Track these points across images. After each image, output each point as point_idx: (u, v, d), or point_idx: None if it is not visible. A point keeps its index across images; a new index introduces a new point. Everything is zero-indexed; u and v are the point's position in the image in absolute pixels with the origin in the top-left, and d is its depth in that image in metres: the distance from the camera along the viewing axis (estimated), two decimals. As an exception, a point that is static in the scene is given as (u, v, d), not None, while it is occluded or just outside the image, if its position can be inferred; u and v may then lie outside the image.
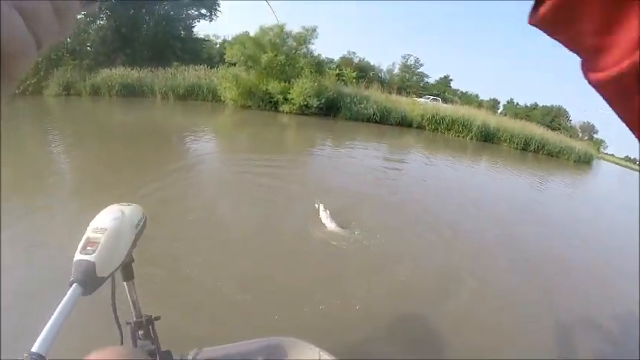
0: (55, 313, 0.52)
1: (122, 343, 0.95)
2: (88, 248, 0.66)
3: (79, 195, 4.51)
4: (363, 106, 16.35)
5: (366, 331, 2.40)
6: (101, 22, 18.88)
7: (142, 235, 0.83)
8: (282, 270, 3.03)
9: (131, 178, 5.22)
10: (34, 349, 0.45)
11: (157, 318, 1.05)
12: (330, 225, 3.82)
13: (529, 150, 16.99)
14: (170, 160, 6.63)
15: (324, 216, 3.88)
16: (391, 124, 16.78)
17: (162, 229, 3.32)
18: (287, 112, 15.36)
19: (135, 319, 1.00)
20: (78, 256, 0.65)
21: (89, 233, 0.70)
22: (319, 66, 17.12)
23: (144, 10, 18.97)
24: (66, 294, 0.57)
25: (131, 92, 15.74)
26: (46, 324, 0.49)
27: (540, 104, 47.93)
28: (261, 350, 1.16)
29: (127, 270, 0.91)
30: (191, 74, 16.28)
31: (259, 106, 15.54)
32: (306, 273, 3.03)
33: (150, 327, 1.03)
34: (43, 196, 4.31)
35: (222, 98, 15.59)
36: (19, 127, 8.93)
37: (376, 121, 16.55)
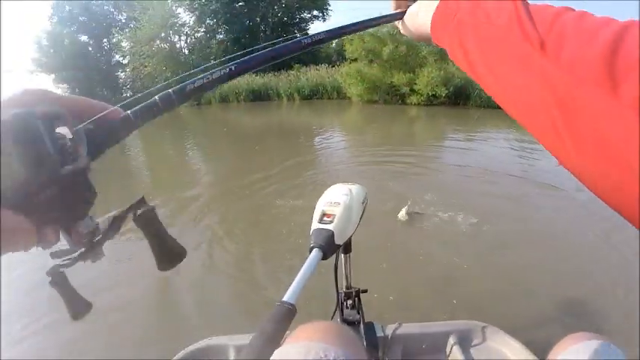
0: (301, 271, 0.58)
1: (336, 308, 1.11)
2: (325, 219, 0.73)
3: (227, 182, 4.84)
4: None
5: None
6: (220, 36, 20.02)
7: (364, 213, 0.83)
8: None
9: (265, 169, 5.21)
10: (285, 298, 0.51)
11: (365, 291, 1.13)
12: None
13: None
14: (301, 154, 6.49)
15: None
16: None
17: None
18: (414, 104, 14.27)
19: (345, 289, 1.11)
20: (316, 225, 0.72)
21: (324, 207, 0.77)
22: (443, 54, 15.67)
23: (259, 20, 19.67)
24: (308, 257, 0.63)
25: (257, 97, 16.04)
26: (293, 280, 0.55)
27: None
28: (453, 332, 1.19)
29: (348, 244, 0.98)
30: (313, 74, 16.01)
31: (385, 100, 14.63)
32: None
33: (357, 298, 1.13)
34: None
35: (347, 95, 15.08)
36: (159, 137, 9.75)
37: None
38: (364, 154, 6.41)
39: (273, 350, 0.43)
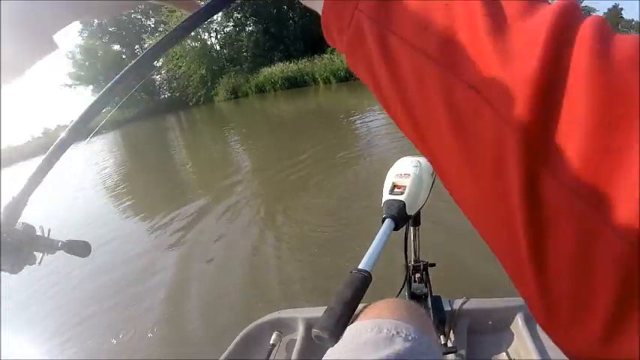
0: (376, 240, 0.58)
1: (405, 280, 1.10)
2: (396, 190, 0.73)
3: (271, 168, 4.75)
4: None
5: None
6: (249, 28, 20.16)
7: (433, 186, 0.80)
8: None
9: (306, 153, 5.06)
10: (361, 266, 0.50)
11: (433, 264, 1.12)
12: None
13: None
14: (340, 138, 6.23)
15: None
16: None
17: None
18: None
19: (413, 262, 1.10)
20: (387, 196, 0.72)
21: (394, 179, 0.76)
22: None
23: (286, 7, 19.66)
24: (381, 227, 0.63)
25: (293, 84, 16.11)
26: (368, 248, 0.55)
27: None
28: (520, 309, 1.16)
29: (417, 216, 0.97)
30: (348, 55, 15.90)
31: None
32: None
33: (425, 272, 1.12)
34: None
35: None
36: (200, 131, 9.87)
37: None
38: (405, 139, 6.05)
39: (351, 315, 0.41)
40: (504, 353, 1.15)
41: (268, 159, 5.61)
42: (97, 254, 3.00)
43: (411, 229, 1.03)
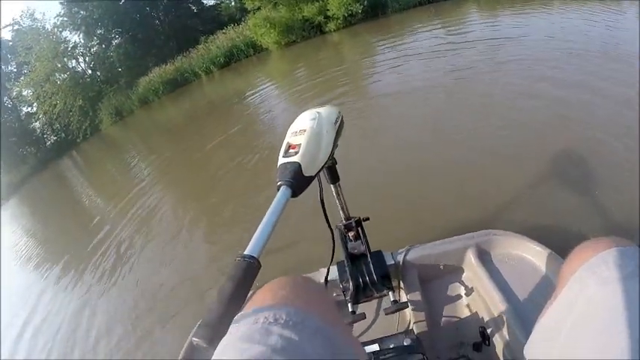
0: (266, 216, 0.51)
1: (334, 245, 0.98)
2: (291, 151, 0.64)
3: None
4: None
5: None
6: (116, 41, 18.47)
7: (340, 135, 0.75)
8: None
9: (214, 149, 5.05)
10: (247, 251, 0.44)
11: (366, 219, 1.05)
12: None
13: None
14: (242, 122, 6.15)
15: None
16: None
17: None
18: (334, 30, 13.51)
19: (344, 221, 1.02)
20: (281, 160, 0.63)
21: (288, 138, 0.67)
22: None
23: (148, 9, 18.11)
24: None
25: (176, 85, 14.91)
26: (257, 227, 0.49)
27: None
28: (470, 245, 1.10)
29: (331, 172, 0.90)
30: (223, 40, 14.92)
31: (303, 37, 13.82)
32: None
33: (359, 228, 1.03)
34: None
35: (263, 46, 14.15)
36: (99, 166, 9.34)
37: (429, 1, 13.87)
38: (305, 92, 6.05)
39: (235, 313, 0.38)
40: (462, 294, 1.10)
41: (179, 166, 5.41)
42: None
43: (331, 187, 0.95)
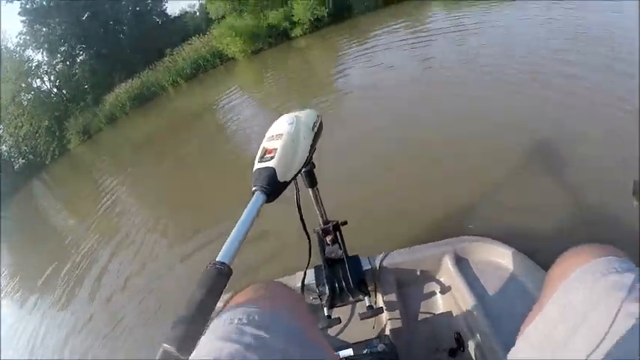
0: (239, 222, 0.51)
1: (310, 249, 0.93)
2: (267, 156, 0.63)
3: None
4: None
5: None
6: (80, 57, 18.04)
7: (319, 139, 0.74)
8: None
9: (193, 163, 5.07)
10: (219, 258, 0.44)
11: (344, 223, 1.04)
12: None
13: None
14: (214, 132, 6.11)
15: None
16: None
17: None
18: (301, 35, 13.43)
19: (322, 225, 1.02)
20: (257, 165, 0.62)
21: (265, 143, 0.66)
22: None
23: (111, 23, 17.69)
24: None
25: (143, 99, 14.51)
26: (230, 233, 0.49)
27: None
28: (447, 251, 1.10)
29: (309, 176, 0.89)
30: (188, 51, 14.64)
31: (270, 44, 13.70)
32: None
33: (337, 232, 1.03)
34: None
35: (229, 55, 13.95)
36: (73, 189, 8.94)
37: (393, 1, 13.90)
38: (276, 101, 6.08)
39: (206, 320, 0.38)
40: (438, 299, 1.09)
41: (150, 182, 5.32)
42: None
43: (309, 191, 0.94)
